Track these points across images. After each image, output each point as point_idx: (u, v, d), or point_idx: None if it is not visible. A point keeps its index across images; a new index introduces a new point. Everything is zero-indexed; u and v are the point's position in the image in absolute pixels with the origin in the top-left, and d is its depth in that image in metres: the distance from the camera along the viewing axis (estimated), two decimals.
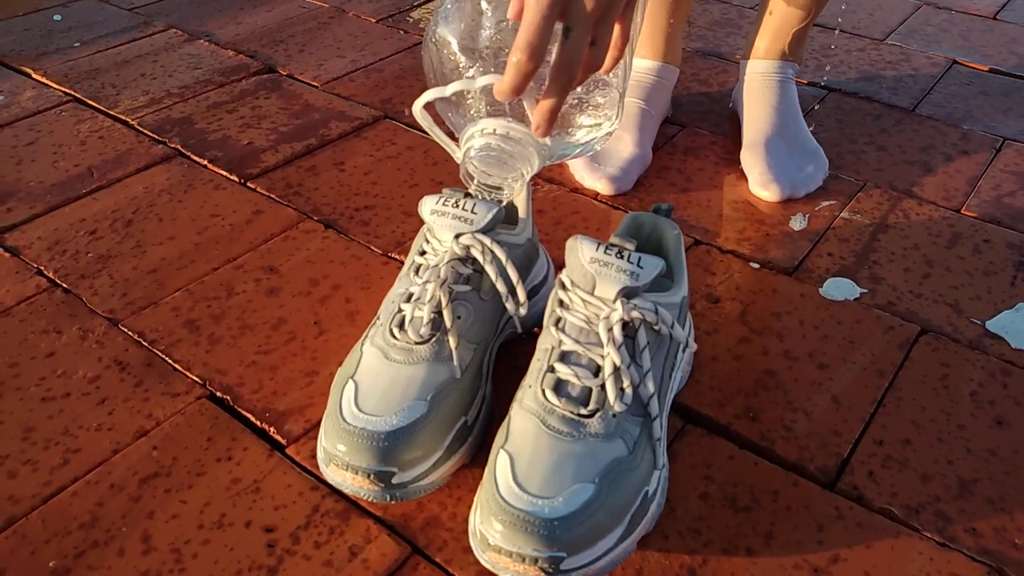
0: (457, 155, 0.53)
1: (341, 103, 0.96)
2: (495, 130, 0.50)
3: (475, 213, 0.55)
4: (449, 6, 0.51)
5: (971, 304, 0.67)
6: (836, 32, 1.13)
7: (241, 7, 1.21)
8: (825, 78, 1.01)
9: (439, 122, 0.57)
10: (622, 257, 0.50)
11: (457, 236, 0.54)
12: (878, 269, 0.71)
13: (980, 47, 1.10)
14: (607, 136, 0.55)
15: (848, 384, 0.60)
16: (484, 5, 0.50)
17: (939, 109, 0.95)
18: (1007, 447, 0.55)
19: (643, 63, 0.89)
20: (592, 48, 0.47)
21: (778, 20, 0.85)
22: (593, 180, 0.81)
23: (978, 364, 0.61)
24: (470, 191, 0.54)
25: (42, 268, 0.71)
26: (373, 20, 1.17)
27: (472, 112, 0.51)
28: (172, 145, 0.88)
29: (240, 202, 0.79)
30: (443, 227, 0.55)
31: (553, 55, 0.46)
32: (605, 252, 0.50)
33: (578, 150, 0.55)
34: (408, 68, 1.04)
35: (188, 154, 0.86)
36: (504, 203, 0.55)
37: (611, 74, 0.51)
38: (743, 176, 0.82)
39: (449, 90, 0.50)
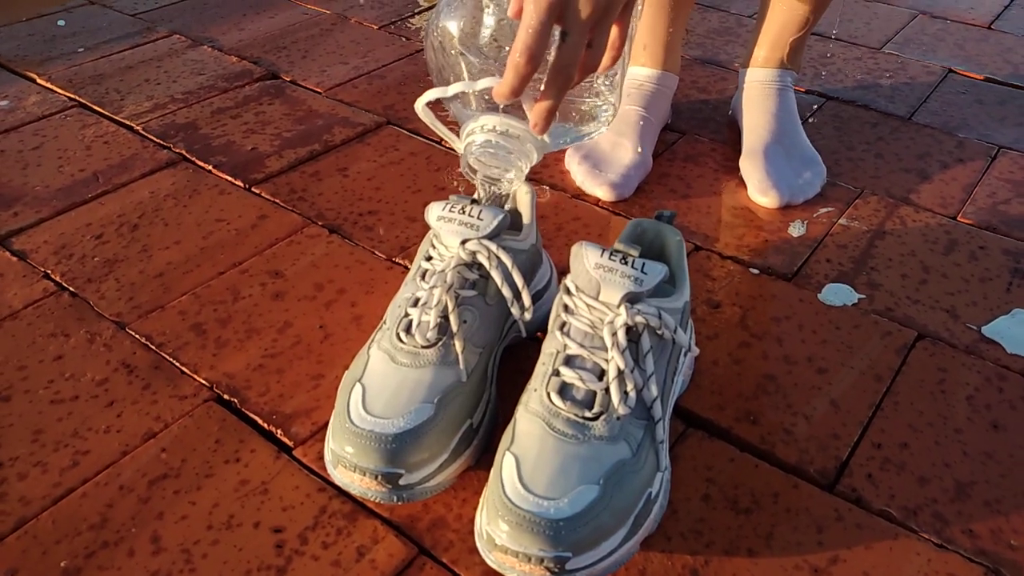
0: (459, 146, 0.54)
1: (344, 109, 0.96)
2: (495, 127, 0.52)
3: (481, 219, 0.56)
4: None
5: (967, 310, 0.68)
6: (833, 41, 1.15)
7: (244, 13, 1.22)
8: (823, 86, 1.03)
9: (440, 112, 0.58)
10: (626, 263, 0.50)
11: (464, 242, 0.55)
12: (876, 275, 0.72)
13: (975, 56, 1.11)
14: (603, 128, 0.56)
15: (847, 388, 0.61)
16: (485, 0, 0.51)
17: (935, 117, 0.97)
18: (1003, 450, 0.56)
19: (643, 71, 0.90)
20: (589, 50, 0.48)
21: (776, 29, 0.86)
22: (594, 186, 0.82)
23: (974, 369, 0.62)
24: (473, 182, 0.55)
25: (49, 272, 0.71)
26: (375, 27, 1.18)
27: (474, 106, 0.53)
28: (177, 150, 0.88)
29: (245, 207, 0.79)
30: (450, 233, 0.56)
31: (551, 57, 0.47)
32: (610, 258, 0.51)
33: (574, 140, 0.57)
34: (410, 75, 1.05)
35: (193, 159, 0.87)
36: (504, 193, 0.56)
37: (609, 71, 0.53)
38: (743, 183, 0.83)
39: (451, 91, 0.51)
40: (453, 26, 0.52)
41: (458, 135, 0.55)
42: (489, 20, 0.51)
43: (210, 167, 0.85)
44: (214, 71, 1.05)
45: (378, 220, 0.78)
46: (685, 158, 0.88)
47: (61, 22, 1.17)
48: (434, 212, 0.57)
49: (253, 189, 0.82)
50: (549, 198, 0.78)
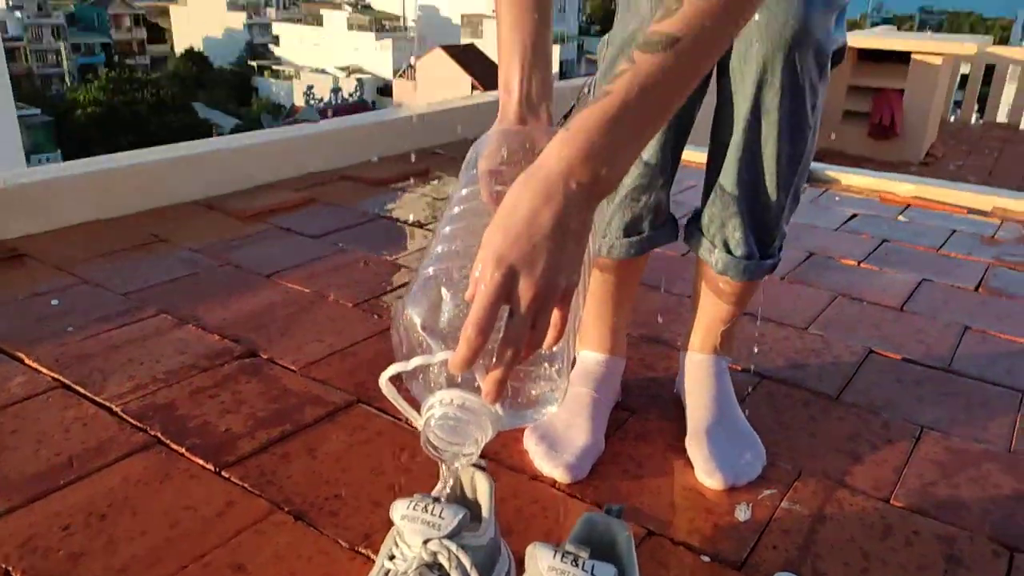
0: (419, 423, 0.60)
1: (317, 387, 1.03)
2: (452, 400, 0.58)
3: (443, 518, 0.60)
4: (415, 290, 0.61)
5: None
6: (762, 321, 1.28)
7: (229, 292, 1.32)
8: (757, 364, 1.13)
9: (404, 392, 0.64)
10: (577, 565, 0.54)
11: (426, 542, 0.59)
12: (820, 563, 0.75)
13: (891, 336, 1.24)
14: (553, 408, 0.63)
15: None
16: (444, 292, 0.60)
17: (861, 396, 1.06)
18: None
19: (592, 355, 0.99)
20: (533, 330, 0.56)
21: (706, 321, 0.97)
22: (551, 468, 0.86)
23: None
24: (432, 457, 0.59)
25: (10, 569, 0.71)
26: (350, 305, 1.29)
27: (432, 383, 0.59)
28: (152, 432, 0.92)
29: (213, 493, 0.82)
30: (413, 532, 0.59)
31: (500, 333, 0.55)
32: (561, 560, 0.54)
33: (527, 420, 0.63)
34: (381, 352, 1.13)
35: (167, 442, 0.90)
36: (461, 466, 0.61)
37: (555, 352, 0.60)
38: (690, 462, 0.89)
39: (411, 364, 0.58)
40: (417, 313, 0.60)
41: (419, 412, 0.60)
42: (448, 307, 0.60)
43: (183, 450, 0.89)
44: (196, 350, 1.12)
45: (343, 504, 0.81)
46: (636, 437, 0.94)
47: (55, 301, 1.26)
48: (399, 510, 0.61)
49: (223, 473, 0.85)
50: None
